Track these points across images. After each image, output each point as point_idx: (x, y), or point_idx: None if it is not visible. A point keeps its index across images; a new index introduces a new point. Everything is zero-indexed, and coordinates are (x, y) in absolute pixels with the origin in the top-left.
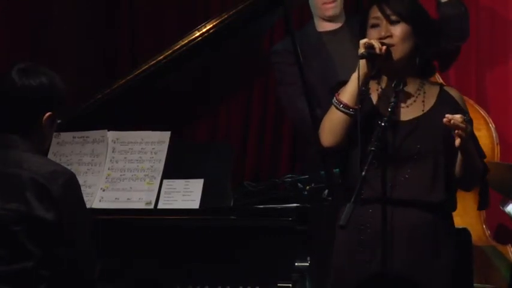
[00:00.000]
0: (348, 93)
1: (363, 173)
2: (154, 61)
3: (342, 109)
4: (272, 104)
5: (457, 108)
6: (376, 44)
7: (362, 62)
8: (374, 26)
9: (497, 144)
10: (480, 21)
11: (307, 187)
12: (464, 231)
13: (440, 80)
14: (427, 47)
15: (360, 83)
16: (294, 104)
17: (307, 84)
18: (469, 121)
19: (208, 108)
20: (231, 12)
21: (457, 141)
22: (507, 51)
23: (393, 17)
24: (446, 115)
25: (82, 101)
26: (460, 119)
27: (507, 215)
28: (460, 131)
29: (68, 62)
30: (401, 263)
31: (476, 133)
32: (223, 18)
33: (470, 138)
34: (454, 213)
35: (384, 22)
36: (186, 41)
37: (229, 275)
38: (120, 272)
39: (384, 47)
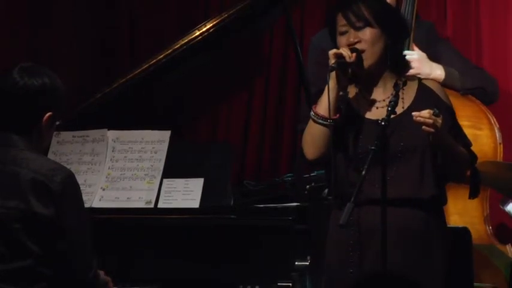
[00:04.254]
0: (323, 105)
1: (363, 172)
2: (155, 60)
3: (320, 121)
4: (273, 103)
5: (437, 101)
6: (345, 53)
7: (331, 73)
8: (342, 33)
9: (500, 143)
10: (480, 19)
11: (307, 186)
12: (464, 231)
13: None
14: (397, 44)
15: (333, 94)
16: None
17: (307, 83)
18: (446, 113)
19: (208, 107)
20: (231, 12)
21: (430, 137)
22: (510, 49)
23: (359, 24)
24: (413, 113)
25: (82, 100)
26: (426, 115)
27: (507, 214)
28: (427, 127)
29: (67, 62)
30: (394, 263)
31: (478, 132)
32: (223, 17)
33: (445, 131)
34: (453, 212)
35: (351, 29)
36: (186, 40)
37: (229, 274)
38: (119, 271)
39: (354, 54)
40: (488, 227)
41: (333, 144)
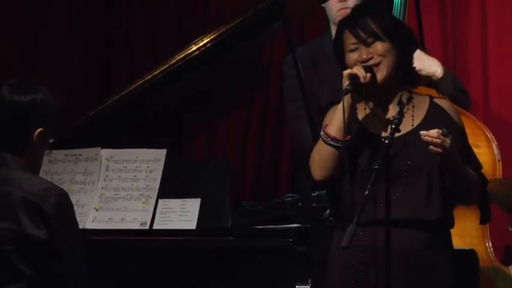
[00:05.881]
0: (335, 126)
1: (366, 192)
2: (150, 76)
3: (331, 142)
4: (272, 119)
5: (447, 120)
6: (360, 73)
7: (346, 96)
8: (352, 50)
9: (498, 160)
10: (487, 36)
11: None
12: (471, 253)
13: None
14: (407, 58)
15: (347, 116)
16: (294, 124)
17: (308, 100)
18: (456, 134)
19: (206, 124)
20: (228, 26)
21: (439, 158)
22: None
23: (369, 39)
24: (421, 132)
25: (75, 117)
26: (435, 134)
27: None
28: (435, 147)
29: (63, 78)
30: (397, 286)
31: (476, 150)
32: (220, 32)
33: (453, 152)
34: (452, 234)
35: (362, 46)
36: (183, 55)
37: None
38: None
39: (368, 74)
40: (490, 248)
41: (346, 166)
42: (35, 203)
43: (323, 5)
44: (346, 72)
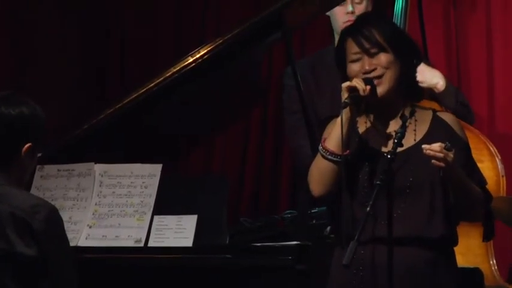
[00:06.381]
0: (334, 140)
1: (368, 209)
2: (145, 89)
3: (329, 157)
4: (271, 132)
5: (451, 135)
6: (360, 86)
7: (344, 110)
8: (354, 60)
9: (502, 176)
10: (492, 47)
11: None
12: (475, 272)
13: None
14: (410, 71)
15: (345, 129)
16: (294, 137)
17: (308, 113)
18: (460, 148)
19: (203, 137)
20: (226, 37)
21: (441, 172)
22: None
23: (373, 50)
24: (423, 146)
25: (68, 132)
26: (437, 148)
27: None
28: (437, 162)
29: (57, 92)
30: None
31: (479, 164)
32: (218, 43)
33: (456, 166)
34: (455, 252)
35: (365, 56)
36: (179, 68)
37: None
38: None
39: (368, 87)
40: (494, 266)
41: (344, 182)
42: (23, 220)
43: (328, 15)
44: (345, 84)
